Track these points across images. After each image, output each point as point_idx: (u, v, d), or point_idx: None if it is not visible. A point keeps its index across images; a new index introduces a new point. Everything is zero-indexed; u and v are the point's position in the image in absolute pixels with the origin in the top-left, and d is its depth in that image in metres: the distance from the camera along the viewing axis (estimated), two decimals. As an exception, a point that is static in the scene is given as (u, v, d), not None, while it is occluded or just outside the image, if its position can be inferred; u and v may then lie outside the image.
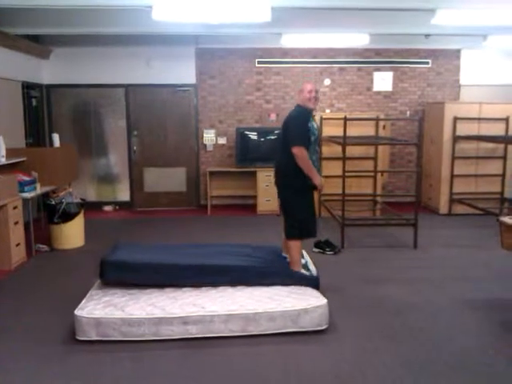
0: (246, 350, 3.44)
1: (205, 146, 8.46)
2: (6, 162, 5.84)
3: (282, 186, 4.32)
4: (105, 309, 3.57)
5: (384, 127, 7.68)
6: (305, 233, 4.31)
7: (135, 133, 8.36)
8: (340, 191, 5.99)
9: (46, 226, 6.43)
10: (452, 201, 7.79)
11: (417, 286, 4.66)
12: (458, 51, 8.47)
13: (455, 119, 7.60)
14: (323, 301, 3.72)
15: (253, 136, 8.17)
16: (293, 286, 4.01)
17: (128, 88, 8.23)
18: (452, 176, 7.74)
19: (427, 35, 7.19)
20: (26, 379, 3.09)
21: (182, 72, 8.21)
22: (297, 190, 4.22)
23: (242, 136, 8.11)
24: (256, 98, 8.41)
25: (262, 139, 8.18)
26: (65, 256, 5.77)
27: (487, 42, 7.05)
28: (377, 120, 7.49)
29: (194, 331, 3.54)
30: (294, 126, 4.19)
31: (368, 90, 8.50)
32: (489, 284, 4.72)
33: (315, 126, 4.28)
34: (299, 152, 4.08)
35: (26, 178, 5.87)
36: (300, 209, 4.26)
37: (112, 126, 8.37)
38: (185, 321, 3.52)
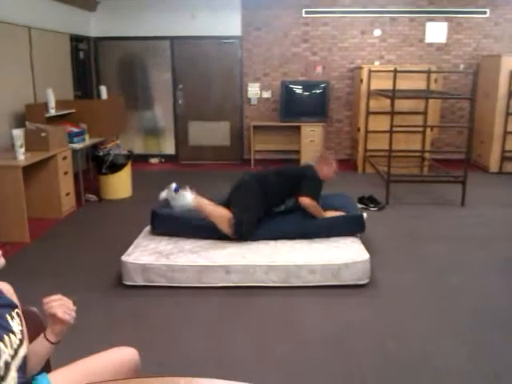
0: (286, 300, 3.49)
1: (249, 99, 8.38)
2: (56, 114, 5.99)
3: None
4: (151, 256, 3.68)
5: (436, 81, 7.37)
6: None
7: (180, 86, 8.36)
8: (387, 147, 5.86)
9: (94, 176, 6.63)
10: (503, 159, 7.49)
11: (462, 244, 4.57)
12: (520, -1, 7.93)
13: (512, 73, 7.21)
14: (365, 255, 3.70)
15: (298, 90, 8.02)
16: (337, 239, 3.98)
17: (173, 40, 8.18)
18: (505, 133, 7.40)
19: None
20: (75, 321, 3.24)
21: (227, 24, 8.07)
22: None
23: (286, 89, 7.97)
24: (302, 49, 8.20)
25: (307, 93, 8.03)
26: (113, 206, 5.95)
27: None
28: (428, 73, 7.17)
29: (235, 280, 3.61)
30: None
31: (420, 41, 8.12)
32: (539, 244, 4.57)
33: None
34: None
35: (75, 130, 6.01)
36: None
37: (157, 78, 8.39)
38: (227, 270, 3.60)
